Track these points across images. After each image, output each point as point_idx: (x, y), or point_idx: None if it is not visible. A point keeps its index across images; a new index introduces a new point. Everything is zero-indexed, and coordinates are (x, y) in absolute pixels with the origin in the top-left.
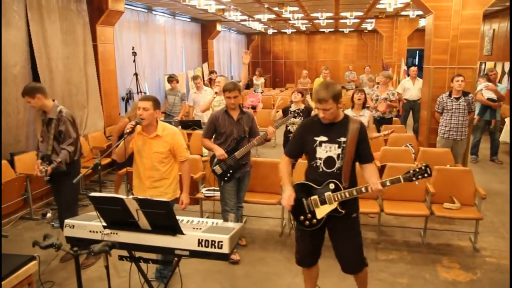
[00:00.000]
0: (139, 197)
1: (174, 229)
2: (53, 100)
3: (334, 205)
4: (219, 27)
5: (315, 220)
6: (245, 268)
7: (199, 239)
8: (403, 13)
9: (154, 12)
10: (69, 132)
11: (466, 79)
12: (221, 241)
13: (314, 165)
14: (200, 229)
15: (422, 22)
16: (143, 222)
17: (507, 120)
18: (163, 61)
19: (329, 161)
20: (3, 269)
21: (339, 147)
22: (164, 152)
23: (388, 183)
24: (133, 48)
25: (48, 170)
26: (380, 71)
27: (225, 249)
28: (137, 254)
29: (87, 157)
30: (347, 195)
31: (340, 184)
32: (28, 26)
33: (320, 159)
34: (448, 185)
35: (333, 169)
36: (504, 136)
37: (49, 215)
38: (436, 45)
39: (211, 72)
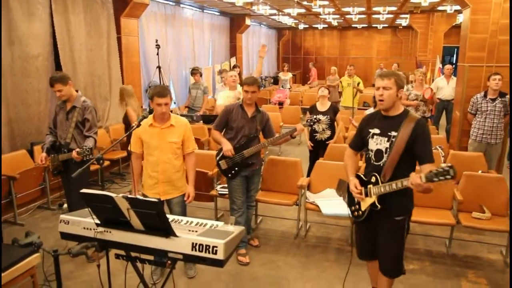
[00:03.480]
0: (129, 196)
1: (167, 231)
2: (77, 91)
3: (373, 198)
4: (248, 21)
5: (360, 212)
6: (254, 271)
7: (193, 243)
8: (439, 8)
9: (182, 5)
10: (94, 121)
11: (505, 78)
12: (216, 246)
13: (368, 156)
14: (196, 231)
15: (460, 18)
16: (135, 221)
17: None
18: (190, 54)
19: (378, 154)
20: (4, 261)
21: (388, 141)
22: (178, 142)
23: (423, 179)
24: (156, 41)
25: (79, 156)
26: (413, 69)
27: (220, 255)
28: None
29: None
30: (387, 189)
31: (379, 178)
32: (52, 18)
33: (371, 151)
34: (478, 192)
35: (380, 163)
36: None
37: (65, 205)
38: (473, 41)
39: (234, 66)
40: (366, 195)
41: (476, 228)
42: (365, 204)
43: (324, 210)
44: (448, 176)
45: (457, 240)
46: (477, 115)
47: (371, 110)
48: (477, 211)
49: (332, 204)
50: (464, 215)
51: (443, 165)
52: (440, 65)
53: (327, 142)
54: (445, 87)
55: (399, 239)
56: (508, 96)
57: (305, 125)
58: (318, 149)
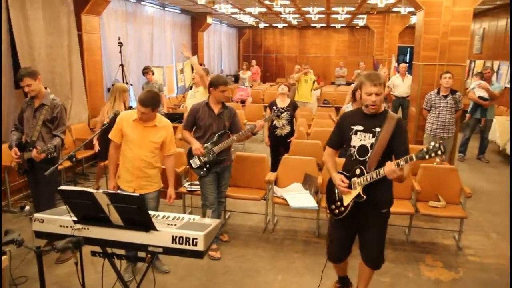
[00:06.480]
0: (110, 191)
1: (147, 225)
2: (46, 88)
3: (358, 190)
4: (209, 19)
5: (342, 208)
6: (225, 265)
7: (173, 236)
8: (394, 9)
9: (143, 3)
10: (63, 120)
11: (455, 77)
12: (196, 238)
13: (349, 153)
14: (175, 225)
15: (413, 19)
16: (115, 217)
17: (495, 119)
18: (150, 53)
19: (362, 149)
20: None
21: (373, 137)
22: (159, 142)
23: (402, 163)
24: (119, 39)
25: (41, 155)
26: (371, 68)
27: (200, 247)
28: (111, 249)
29: (69, 149)
30: (368, 179)
31: (365, 169)
32: (9, 14)
33: (354, 147)
34: (434, 183)
35: (365, 158)
36: (492, 135)
37: (27, 208)
38: (426, 41)
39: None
40: (350, 188)
41: (432, 215)
42: (348, 198)
43: (292, 203)
44: (439, 152)
45: (415, 228)
46: (431, 111)
47: (348, 106)
48: (433, 200)
49: (299, 197)
50: (422, 204)
51: (433, 143)
52: (396, 64)
53: (288, 140)
54: (400, 85)
55: (384, 230)
56: (458, 93)
57: (272, 116)
58: (278, 145)
